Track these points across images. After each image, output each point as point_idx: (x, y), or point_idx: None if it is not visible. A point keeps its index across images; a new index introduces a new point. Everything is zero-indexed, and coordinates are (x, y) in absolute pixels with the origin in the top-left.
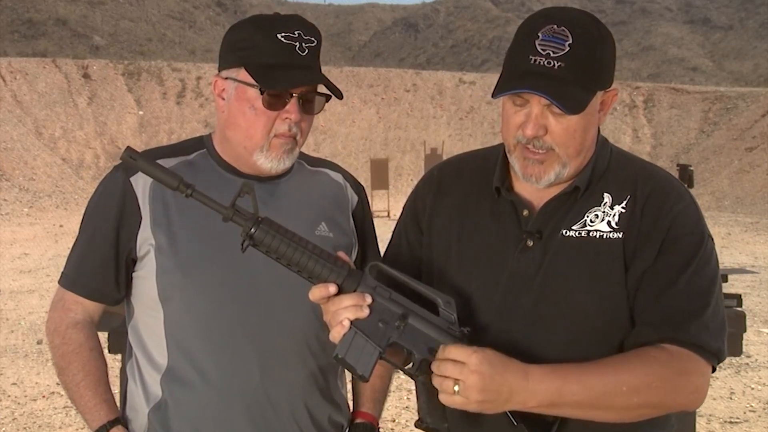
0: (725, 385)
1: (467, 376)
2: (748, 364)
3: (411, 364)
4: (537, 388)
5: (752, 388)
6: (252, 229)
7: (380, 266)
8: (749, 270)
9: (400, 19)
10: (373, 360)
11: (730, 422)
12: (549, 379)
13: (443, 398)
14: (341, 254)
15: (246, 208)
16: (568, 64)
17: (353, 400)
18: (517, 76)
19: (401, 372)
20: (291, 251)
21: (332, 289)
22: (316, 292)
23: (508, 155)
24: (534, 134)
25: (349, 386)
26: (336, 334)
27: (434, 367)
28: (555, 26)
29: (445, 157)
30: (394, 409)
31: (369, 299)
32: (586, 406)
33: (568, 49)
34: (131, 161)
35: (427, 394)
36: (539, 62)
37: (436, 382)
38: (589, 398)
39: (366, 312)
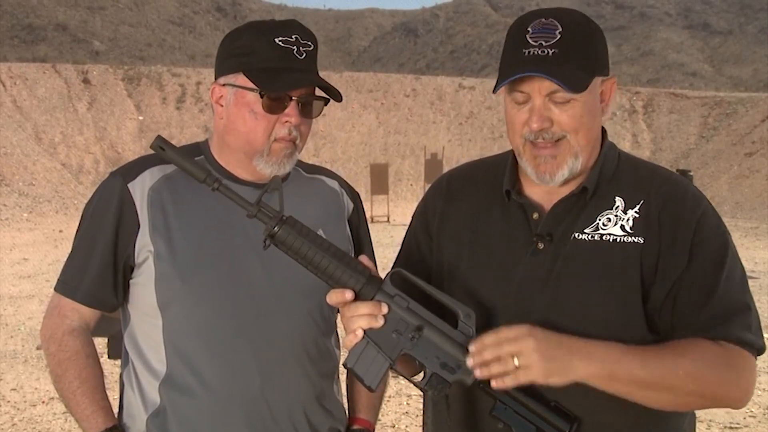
0: None
1: (522, 343)
2: None
3: (422, 377)
4: (596, 350)
5: None
6: (275, 228)
7: (403, 273)
8: (749, 275)
9: (399, 24)
10: (382, 371)
11: (730, 428)
12: (608, 346)
13: (507, 381)
14: (363, 258)
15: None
16: (561, 50)
17: (348, 405)
18: (514, 68)
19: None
20: (312, 253)
21: (349, 295)
22: (333, 297)
23: (518, 159)
24: (539, 126)
25: (344, 391)
26: (348, 343)
27: (486, 352)
28: (543, 19)
29: (445, 162)
30: (393, 414)
31: (385, 309)
32: (643, 385)
33: (559, 36)
34: (160, 151)
35: (434, 408)
36: (533, 52)
37: (495, 369)
38: (647, 375)
39: (380, 322)
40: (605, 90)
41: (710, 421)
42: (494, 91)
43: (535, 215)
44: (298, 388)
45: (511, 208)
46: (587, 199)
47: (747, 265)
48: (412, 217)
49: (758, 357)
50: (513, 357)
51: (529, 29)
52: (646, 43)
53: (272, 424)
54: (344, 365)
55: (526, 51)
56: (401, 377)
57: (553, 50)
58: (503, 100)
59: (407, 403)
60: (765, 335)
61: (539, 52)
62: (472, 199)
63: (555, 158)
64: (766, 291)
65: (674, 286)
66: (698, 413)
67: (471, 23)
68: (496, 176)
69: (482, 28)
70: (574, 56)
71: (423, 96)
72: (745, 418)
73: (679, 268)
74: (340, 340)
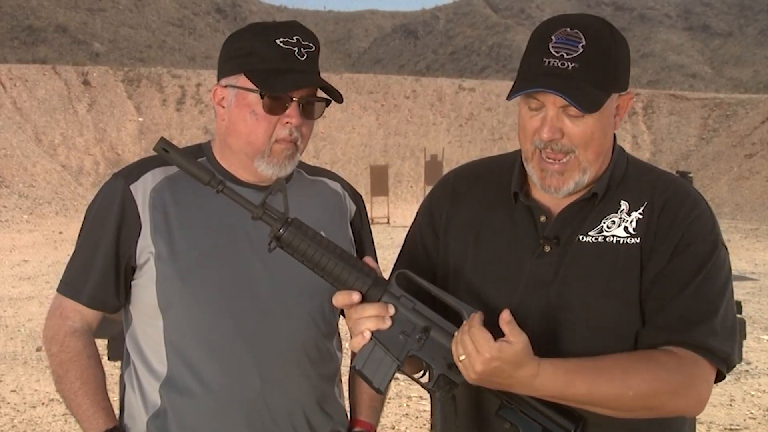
0: (725, 393)
1: (475, 360)
2: (748, 371)
3: (429, 378)
4: (540, 389)
5: (752, 395)
6: (280, 230)
7: (407, 274)
8: (749, 277)
9: (399, 25)
10: (390, 373)
11: (730, 429)
12: (555, 382)
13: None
14: (369, 260)
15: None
16: (581, 65)
17: (350, 408)
18: (531, 78)
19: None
20: (318, 255)
21: (356, 297)
22: (340, 299)
23: (525, 163)
24: (550, 137)
25: (346, 393)
26: (356, 344)
27: (459, 332)
28: (568, 29)
29: (445, 164)
30: (393, 416)
31: (392, 310)
32: (587, 404)
33: (581, 50)
34: (164, 153)
35: (442, 410)
36: (553, 63)
37: (453, 342)
38: (593, 400)
39: (388, 323)
40: (621, 104)
41: (710, 423)
42: (509, 98)
43: (543, 218)
44: (298, 390)
45: (517, 210)
46: (595, 204)
47: (747, 267)
48: (416, 215)
49: (729, 368)
50: (461, 354)
51: (552, 38)
52: (646, 45)
53: (272, 426)
54: (352, 368)
55: (547, 61)
56: (400, 379)
57: (573, 64)
58: (517, 102)
59: (407, 405)
60: (765, 337)
61: (559, 64)
62: (478, 200)
63: (562, 174)
64: (766, 293)
65: (651, 283)
66: (699, 415)
67: (471, 25)
68: (503, 177)
69: (482, 30)
70: (594, 73)
71: (423, 97)
72: (745, 420)
73: (659, 266)
74: (342, 342)
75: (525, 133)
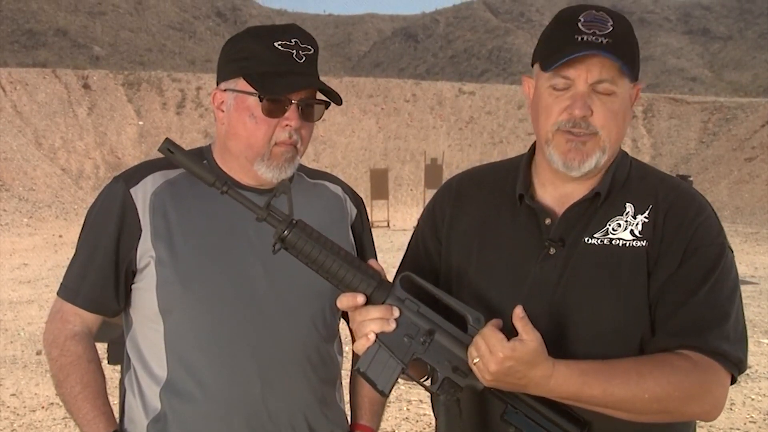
0: None
1: (489, 361)
2: (748, 374)
3: (433, 381)
4: (555, 389)
5: (752, 399)
6: (285, 232)
7: (412, 277)
8: (749, 280)
9: (399, 29)
10: (394, 376)
11: None
12: (570, 383)
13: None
14: (373, 263)
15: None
16: (614, 42)
17: (351, 412)
18: (570, 48)
19: (419, 386)
20: (322, 257)
21: (360, 299)
22: (344, 301)
23: (543, 149)
24: (582, 113)
25: (347, 398)
26: (360, 347)
27: (476, 338)
28: (594, 11)
29: (445, 168)
30: (393, 420)
31: (396, 312)
32: (602, 407)
33: (611, 28)
34: (169, 154)
35: (447, 414)
36: (587, 39)
37: (470, 351)
38: (608, 402)
39: (392, 326)
40: (632, 95)
41: (710, 426)
42: (547, 69)
43: (548, 220)
44: (299, 394)
45: (521, 213)
46: (598, 205)
47: (747, 271)
48: (419, 219)
49: (740, 372)
50: (475, 357)
51: (581, 18)
52: (646, 49)
53: (273, 429)
54: (356, 370)
55: (579, 37)
56: (401, 383)
57: (607, 39)
58: (533, 88)
59: (407, 409)
60: (765, 341)
61: (593, 39)
62: (482, 203)
63: (585, 145)
64: (766, 296)
65: (661, 288)
66: None
67: (471, 28)
68: (507, 180)
69: (482, 33)
70: (625, 50)
71: (423, 101)
72: (745, 424)
73: (668, 272)
74: (343, 347)
75: (548, 114)
